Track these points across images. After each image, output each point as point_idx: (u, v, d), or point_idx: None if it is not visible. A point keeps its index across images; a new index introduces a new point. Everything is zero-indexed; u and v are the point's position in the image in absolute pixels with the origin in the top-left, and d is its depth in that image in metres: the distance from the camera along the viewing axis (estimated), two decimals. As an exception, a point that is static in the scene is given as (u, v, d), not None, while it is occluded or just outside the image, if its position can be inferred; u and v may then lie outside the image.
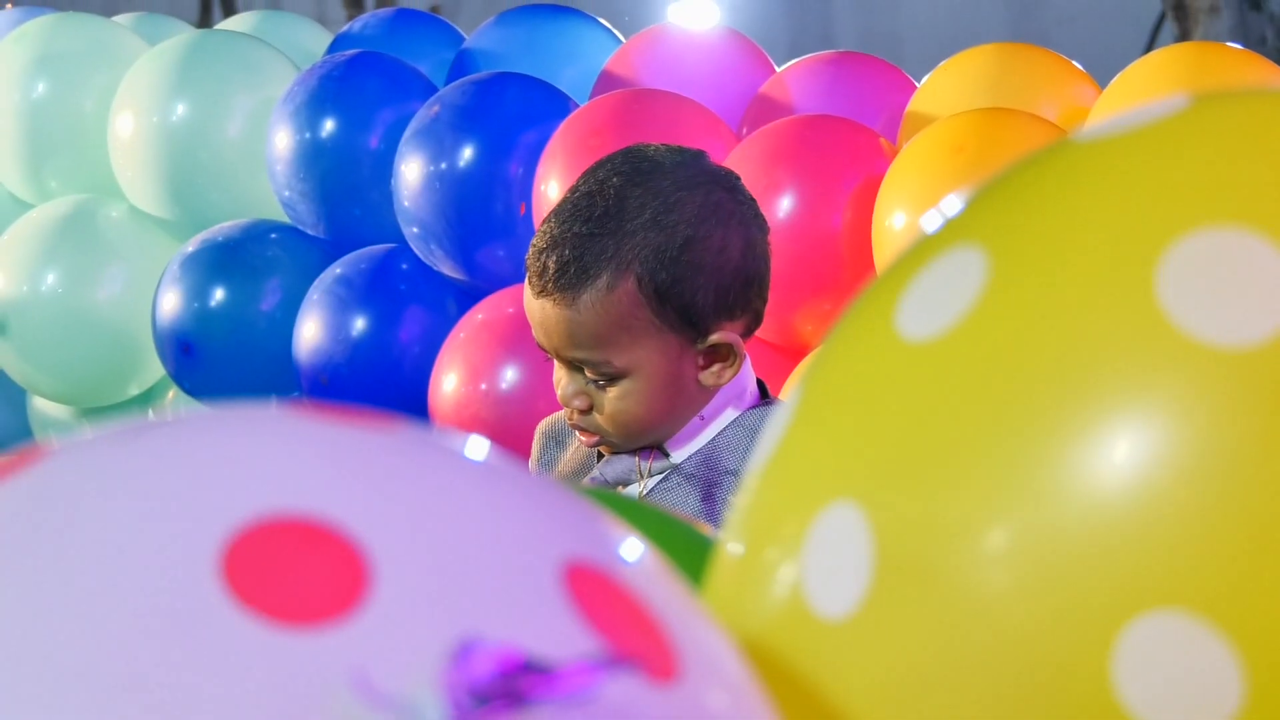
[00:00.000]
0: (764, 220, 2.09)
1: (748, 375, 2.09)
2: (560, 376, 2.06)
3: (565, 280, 2.00)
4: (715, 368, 2.04)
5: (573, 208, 2.04)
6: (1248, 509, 0.64)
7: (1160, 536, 0.65)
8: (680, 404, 2.04)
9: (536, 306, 2.03)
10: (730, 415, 2.06)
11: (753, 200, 2.09)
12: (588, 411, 2.04)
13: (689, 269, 2.00)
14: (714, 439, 2.05)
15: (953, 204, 0.76)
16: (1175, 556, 0.64)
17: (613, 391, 2.02)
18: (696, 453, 2.05)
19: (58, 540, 0.59)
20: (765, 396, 2.11)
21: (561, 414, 2.23)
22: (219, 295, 3.69)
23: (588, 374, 2.02)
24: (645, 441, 2.06)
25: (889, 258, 2.88)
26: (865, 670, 0.68)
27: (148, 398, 4.08)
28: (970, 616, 0.66)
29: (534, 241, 2.05)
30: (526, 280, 2.06)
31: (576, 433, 2.10)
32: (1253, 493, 0.64)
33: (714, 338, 2.02)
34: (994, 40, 3.57)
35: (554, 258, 2.01)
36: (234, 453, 0.63)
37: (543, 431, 2.23)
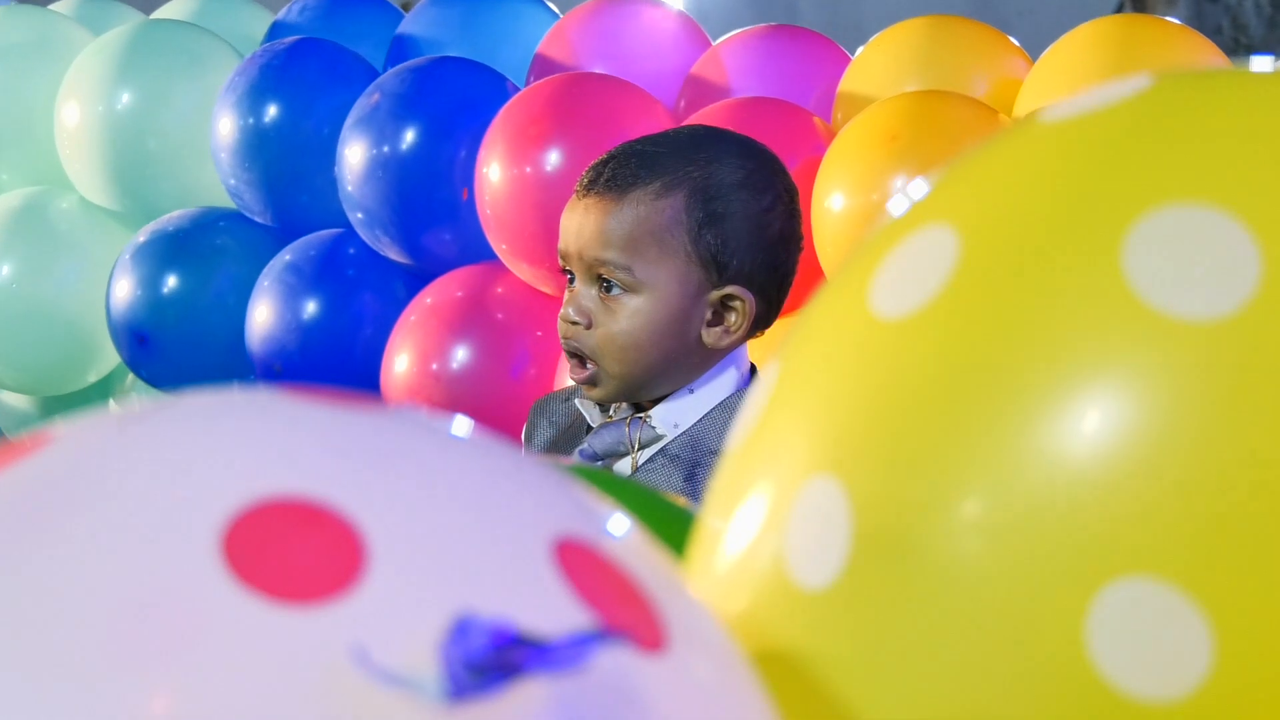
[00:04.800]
0: (803, 238, 2.12)
1: (742, 360, 2.08)
2: (569, 294, 2.05)
3: (619, 180, 2.02)
4: (719, 328, 2.04)
5: (646, 136, 2.09)
6: (1214, 477, 0.66)
7: (1130, 505, 0.66)
8: (677, 353, 2.03)
9: (579, 210, 2.04)
10: (720, 395, 2.06)
11: (801, 217, 2.12)
12: (587, 328, 2.03)
13: (734, 213, 2.02)
14: (701, 420, 2.05)
15: (922, 185, 0.77)
16: (1145, 524, 0.66)
17: (621, 310, 2.01)
18: (685, 434, 2.04)
19: (63, 524, 0.60)
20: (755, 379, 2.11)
21: (554, 393, 2.23)
22: (171, 284, 3.67)
23: (604, 275, 2.02)
24: (632, 388, 2.04)
25: (827, 239, 2.88)
26: (847, 639, 0.70)
27: (106, 384, 4.06)
28: (947, 586, 0.68)
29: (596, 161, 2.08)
30: (574, 194, 2.06)
31: (569, 372, 2.07)
32: (1218, 461, 0.66)
33: (730, 289, 2.02)
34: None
35: (611, 165, 2.04)
36: (231, 437, 0.64)
37: (536, 409, 2.23)
